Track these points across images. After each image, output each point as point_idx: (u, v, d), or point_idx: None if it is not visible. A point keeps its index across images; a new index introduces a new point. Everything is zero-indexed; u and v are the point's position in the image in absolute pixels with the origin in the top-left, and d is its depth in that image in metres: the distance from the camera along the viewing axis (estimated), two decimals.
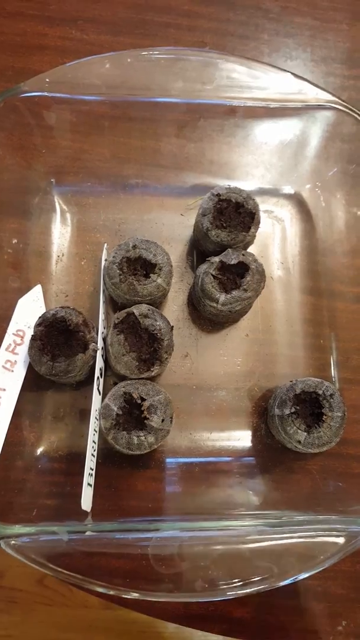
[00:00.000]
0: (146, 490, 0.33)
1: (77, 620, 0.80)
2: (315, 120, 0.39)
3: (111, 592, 0.27)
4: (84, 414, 0.35)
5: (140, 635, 0.80)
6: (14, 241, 0.36)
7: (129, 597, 0.27)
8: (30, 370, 0.33)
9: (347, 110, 0.37)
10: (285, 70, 0.38)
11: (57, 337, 0.32)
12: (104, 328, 0.34)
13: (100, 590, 0.27)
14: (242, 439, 0.36)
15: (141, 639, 0.80)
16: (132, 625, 0.80)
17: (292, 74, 0.38)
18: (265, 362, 0.37)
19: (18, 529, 0.27)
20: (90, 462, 0.30)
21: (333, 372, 0.37)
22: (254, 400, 0.37)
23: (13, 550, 0.27)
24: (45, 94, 0.35)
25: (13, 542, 0.26)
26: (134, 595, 0.27)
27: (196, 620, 0.33)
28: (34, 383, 0.34)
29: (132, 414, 0.31)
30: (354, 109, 0.37)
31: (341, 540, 0.28)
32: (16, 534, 0.27)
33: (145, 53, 0.37)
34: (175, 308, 0.38)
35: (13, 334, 0.33)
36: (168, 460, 0.34)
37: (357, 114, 0.37)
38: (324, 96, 0.38)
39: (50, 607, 0.81)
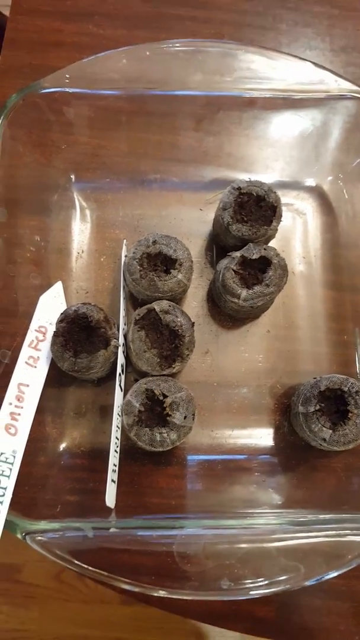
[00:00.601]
0: (168, 487, 0.33)
1: (94, 616, 0.81)
2: (336, 110, 0.38)
3: (136, 590, 0.27)
4: (106, 410, 0.35)
5: (157, 632, 0.80)
6: (37, 238, 0.36)
7: (155, 594, 0.27)
8: (52, 367, 0.34)
9: None
10: (305, 60, 0.37)
11: (78, 333, 0.32)
12: (125, 324, 0.34)
13: (125, 587, 0.27)
14: (264, 436, 0.35)
15: (158, 635, 0.80)
16: (149, 622, 0.80)
17: (313, 63, 0.37)
18: (287, 359, 0.37)
19: (43, 525, 0.27)
20: (113, 459, 0.30)
21: (358, 368, 0.36)
22: (276, 397, 0.36)
23: (38, 545, 0.27)
24: (65, 89, 0.35)
25: (39, 537, 0.27)
26: (161, 593, 0.27)
27: (219, 618, 0.33)
28: (55, 380, 0.34)
29: (154, 411, 0.31)
30: None
31: None
32: (41, 530, 0.27)
33: (164, 46, 0.36)
34: (195, 304, 0.38)
35: (35, 330, 0.33)
36: (189, 457, 0.34)
37: None
38: (345, 85, 0.37)
39: (68, 603, 0.81)
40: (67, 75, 0.35)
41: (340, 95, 0.37)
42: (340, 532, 0.28)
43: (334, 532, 0.28)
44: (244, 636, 0.82)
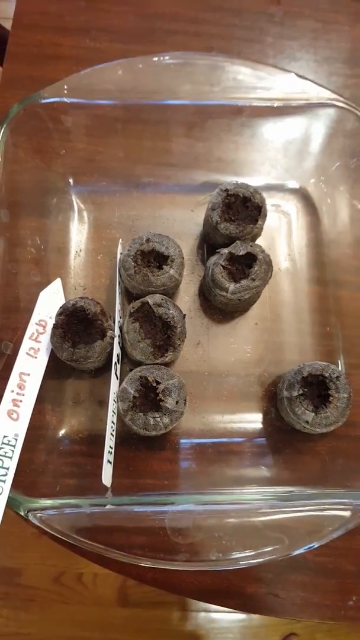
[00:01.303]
0: (162, 470, 0.35)
1: (93, 618, 0.82)
2: (318, 117, 0.41)
3: (131, 561, 0.29)
4: (102, 399, 0.37)
5: (156, 633, 0.81)
6: (37, 239, 0.38)
7: (147, 564, 0.28)
8: (52, 359, 0.36)
9: (349, 108, 0.39)
10: (288, 71, 0.40)
11: (76, 325, 0.35)
12: (120, 317, 0.36)
13: (120, 558, 0.29)
14: (252, 421, 0.37)
15: (157, 637, 0.81)
16: (149, 623, 0.81)
17: (296, 74, 0.40)
18: (274, 350, 0.39)
19: (43, 502, 0.29)
20: (109, 441, 0.32)
21: (340, 358, 0.39)
22: (264, 385, 0.38)
23: (39, 522, 0.28)
24: (64, 99, 0.37)
25: (39, 514, 0.28)
26: (152, 563, 0.28)
27: (211, 595, 0.35)
28: (55, 371, 0.36)
29: (148, 397, 0.33)
30: (355, 106, 0.39)
31: (347, 513, 0.29)
32: (42, 507, 0.29)
33: (156, 59, 0.39)
34: (187, 299, 0.40)
35: (36, 323, 0.35)
36: (182, 441, 0.36)
37: (359, 110, 0.39)
38: (326, 94, 0.39)
39: (67, 605, 0.82)
40: (65, 87, 0.37)
41: (321, 103, 0.40)
42: (322, 507, 0.30)
43: (315, 507, 0.30)
44: (243, 635, 0.83)
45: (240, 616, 0.82)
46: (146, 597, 0.82)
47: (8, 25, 0.74)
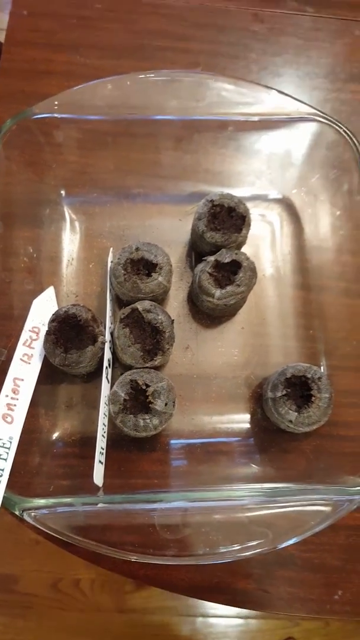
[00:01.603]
0: (152, 470, 0.36)
1: (90, 625, 0.82)
2: (300, 131, 0.42)
3: (122, 557, 0.30)
4: (94, 403, 0.38)
5: (154, 638, 0.81)
6: (30, 248, 0.40)
7: (138, 559, 0.29)
8: (45, 365, 0.37)
9: (328, 122, 0.41)
10: (270, 87, 0.42)
11: (69, 331, 0.36)
12: (111, 323, 0.38)
13: (113, 554, 0.30)
14: (240, 422, 0.39)
15: None
16: (146, 629, 0.81)
17: (277, 90, 0.42)
18: (260, 353, 0.40)
19: (37, 501, 0.30)
20: (100, 442, 0.33)
21: (322, 360, 0.40)
22: (251, 387, 0.40)
23: (34, 520, 0.30)
24: (55, 115, 0.39)
25: (34, 513, 0.30)
26: (143, 558, 0.30)
27: (201, 591, 0.36)
28: (48, 376, 0.37)
29: (138, 400, 0.35)
30: (333, 120, 0.40)
31: (328, 509, 0.31)
32: (36, 507, 0.30)
33: (143, 76, 0.40)
34: (176, 305, 0.42)
35: (29, 330, 0.36)
36: (172, 442, 0.37)
37: (337, 124, 0.40)
38: (306, 109, 0.41)
39: (64, 612, 0.82)
40: (56, 102, 0.39)
41: (302, 117, 0.41)
42: (304, 502, 0.31)
43: (298, 503, 0.31)
44: (240, 639, 0.84)
45: (237, 621, 0.82)
46: (144, 603, 0.82)
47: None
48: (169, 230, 0.43)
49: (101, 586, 0.82)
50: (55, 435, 0.37)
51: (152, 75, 0.40)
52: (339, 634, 0.81)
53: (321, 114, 0.41)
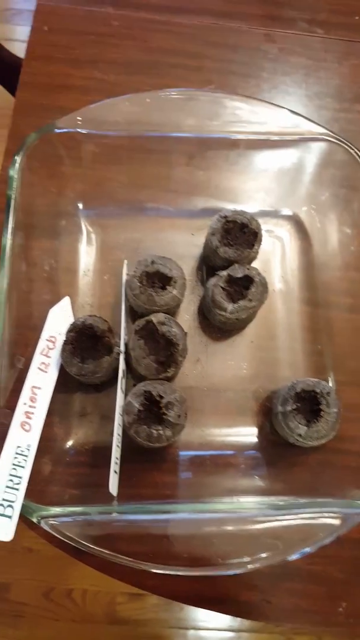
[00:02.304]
0: (163, 481, 0.37)
1: (82, 635, 0.81)
2: (309, 150, 0.44)
3: (136, 567, 0.30)
4: (107, 412, 0.38)
5: None
6: (48, 260, 0.41)
7: (151, 569, 0.30)
8: (60, 373, 0.37)
9: (337, 142, 0.42)
10: (282, 107, 0.43)
11: (85, 342, 0.37)
12: (126, 334, 0.39)
13: (127, 564, 0.30)
14: (248, 435, 0.39)
15: None
16: None
17: (289, 110, 0.43)
18: (268, 366, 0.41)
19: (54, 509, 0.30)
20: (116, 452, 0.34)
21: (330, 375, 0.41)
22: (259, 400, 0.40)
23: (51, 528, 0.30)
24: (78, 130, 0.40)
25: (51, 521, 0.30)
26: (156, 569, 0.30)
27: (207, 602, 0.36)
28: (62, 385, 0.38)
29: (151, 411, 0.35)
30: (344, 140, 0.42)
31: (337, 521, 0.31)
32: (53, 515, 0.30)
33: (162, 94, 0.42)
34: (187, 317, 0.42)
35: (46, 339, 0.37)
36: (182, 454, 0.38)
37: (346, 144, 0.42)
38: (316, 129, 0.42)
39: (56, 622, 0.82)
40: (78, 118, 0.40)
41: (313, 137, 0.42)
42: (314, 515, 0.32)
43: (308, 515, 0.32)
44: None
45: (229, 634, 0.82)
46: (135, 614, 0.82)
47: (11, 46, 0.77)
48: (181, 244, 0.44)
49: (93, 597, 0.82)
50: (68, 444, 0.38)
51: (172, 93, 0.41)
52: None
53: (332, 134, 0.42)
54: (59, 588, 0.82)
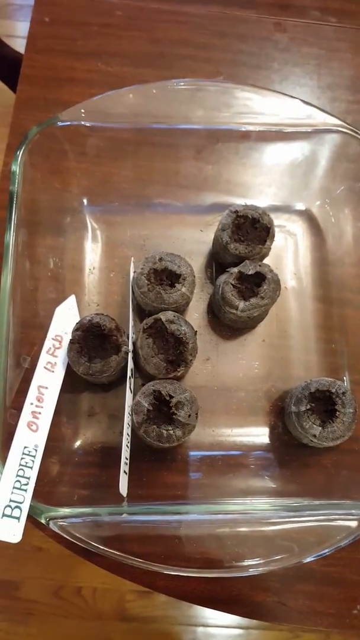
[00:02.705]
0: (173, 481, 0.36)
1: (92, 632, 0.82)
2: (323, 142, 0.42)
3: (148, 568, 0.29)
4: (115, 412, 0.38)
5: None
6: (53, 256, 0.40)
7: (162, 571, 0.29)
8: (66, 373, 0.37)
9: (352, 133, 0.41)
10: (294, 97, 0.42)
11: (92, 340, 0.36)
12: (133, 333, 0.38)
13: (138, 565, 0.30)
14: (260, 435, 0.38)
15: None
16: (147, 638, 0.81)
17: (301, 100, 0.42)
18: (280, 366, 0.40)
19: (63, 510, 0.30)
20: (125, 452, 0.33)
21: (345, 375, 0.40)
22: (271, 400, 0.40)
23: (60, 529, 0.29)
24: (81, 122, 0.39)
25: (60, 522, 0.29)
26: (168, 570, 0.29)
27: (220, 603, 0.36)
28: (70, 385, 0.37)
29: (161, 410, 0.34)
30: (358, 132, 0.41)
31: (354, 524, 0.31)
32: (62, 516, 0.30)
33: (169, 85, 0.41)
34: (196, 316, 0.41)
35: (52, 338, 0.36)
36: (192, 454, 0.37)
37: None
38: (330, 120, 0.41)
39: (66, 619, 0.82)
40: (82, 110, 0.39)
41: (326, 129, 0.41)
42: (330, 517, 0.31)
43: (324, 517, 0.31)
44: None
45: (238, 631, 0.82)
46: (145, 612, 0.82)
47: (12, 42, 0.76)
48: (190, 241, 0.44)
49: (103, 594, 0.82)
50: (77, 444, 0.37)
51: (180, 83, 0.40)
52: None
53: (346, 125, 0.41)
54: (68, 586, 0.83)
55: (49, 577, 0.83)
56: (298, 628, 0.77)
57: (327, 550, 0.30)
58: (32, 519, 0.30)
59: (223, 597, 0.35)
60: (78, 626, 0.81)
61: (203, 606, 0.35)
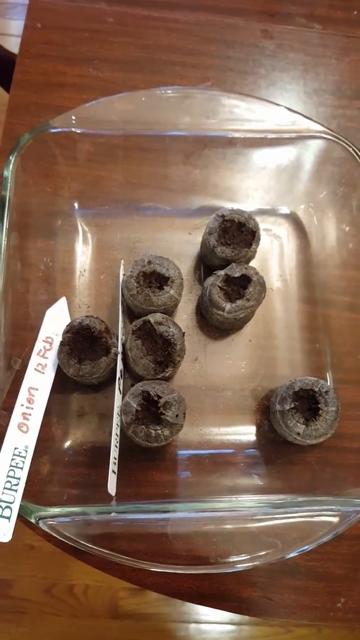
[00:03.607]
0: (162, 480, 0.37)
1: (84, 631, 0.82)
2: (307, 147, 0.43)
3: (135, 565, 0.30)
4: (104, 412, 0.39)
5: None
6: (44, 259, 0.40)
7: (150, 568, 0.30)
8: (57, 374, 0.38)
9: (336, 139, 0.42)
10: (279, 105, 0.43)
11: (82, 342, 0.37)
12: (123, 335, 0.39)
13: (125, 563, 0.30)
14: (247, 433, 0.39)
15: None
16: (140, 634, 0.82)
17: (286, 107, 0.43)
18: (266, 365, 0.41)
19: (53, 510, 0.30)
20: (114, 452, 0.34)
21: (328, 373, 0.41)
22: (258, 399, 0.41)
23: (50, 529, 0.30)
24: (72, 129, 0.39)
25: (50, 522, 0.30)
26: (155, 567, 0.30)
27: (208, 599, 0.36)
28: (60, 385, 0.38)
29: (150, 410, 0.35)
30: (341, 138, 0.41)
31: (336, 519, 0.32)
32: (51, 515, 0.30)
33: (158, 92, 0.41)
34: (185, 317, 0.42)
35: (43, 340, 0.37)
36: (181, 452, 0.38)
37: (344, 142, 0.41)
38: (314, 127, 0.42)
39: (59, 617, 0.83)
40: (73, 117, 0.40)
41: (310, 135, 0.42)
42: (313, 512, 0.32)
43: (307, 513, 0.32)
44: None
45: (229, 627, 0.83)
46: (137, 609, 0.82)
47: (6, 40, 0.77)
48: (179, 243, 0.44)
49: (95, 592, 0.83)
50: (66, 444, 0.38)
51: (168, 91, 0.41)
52: (330, 638, 0.82)
53: (329, 132, 0.42)
54: (60, 584, 0.83)
55: (41, 575, 0.83)
56: (285, 622, 0.79)
57: (309, 546, 0.31)
58: (22, 519, 0.31)
59: (211, 593, 0.36)
60: (70, 624, 0.82)
61: (191, 602, 0.36)
